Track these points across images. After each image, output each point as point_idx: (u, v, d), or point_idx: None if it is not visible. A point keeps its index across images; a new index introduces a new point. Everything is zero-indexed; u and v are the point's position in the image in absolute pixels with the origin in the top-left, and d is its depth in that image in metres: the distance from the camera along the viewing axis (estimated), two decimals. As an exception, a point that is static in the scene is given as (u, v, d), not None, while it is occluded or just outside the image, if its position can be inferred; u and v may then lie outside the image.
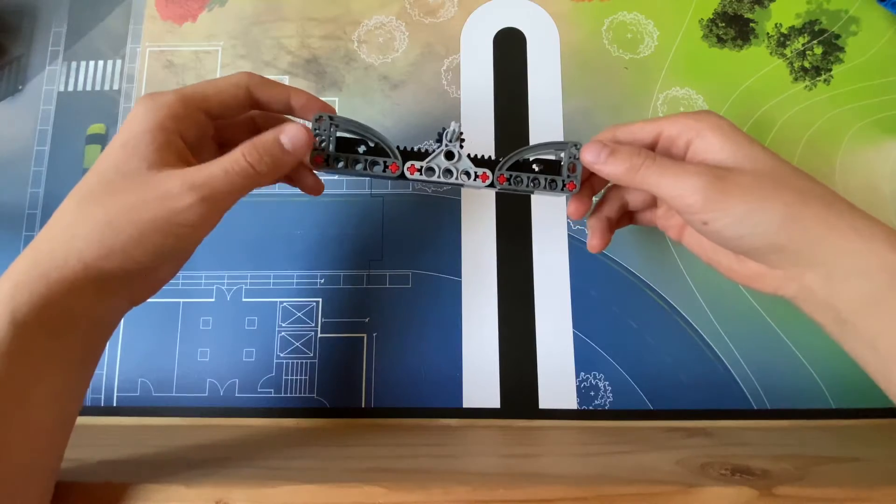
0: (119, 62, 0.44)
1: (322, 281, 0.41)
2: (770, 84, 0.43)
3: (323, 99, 0.33)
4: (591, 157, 0.29)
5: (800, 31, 0.44)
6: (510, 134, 0.42)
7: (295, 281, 0.41)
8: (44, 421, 0.25)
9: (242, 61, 0.44)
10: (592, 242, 0.33)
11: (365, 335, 0.40)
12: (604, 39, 0.44)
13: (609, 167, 0.28)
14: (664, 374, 0.39)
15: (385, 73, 0.44)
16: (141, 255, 0.25)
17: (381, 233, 0.41)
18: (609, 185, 0.34)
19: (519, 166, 0.31)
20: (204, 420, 0.39)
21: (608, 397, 0.39)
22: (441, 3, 0.45)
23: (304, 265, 0.41)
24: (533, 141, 0.42)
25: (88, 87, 0.44)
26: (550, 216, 0.41)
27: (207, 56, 0.44)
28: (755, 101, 0.43)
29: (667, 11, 0.44)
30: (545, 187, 0.31)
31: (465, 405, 0.39)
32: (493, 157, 0.31)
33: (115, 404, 0.39)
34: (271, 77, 0.31)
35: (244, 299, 0.40)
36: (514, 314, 0.40)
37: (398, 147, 0.30)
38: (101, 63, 0.44)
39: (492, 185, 0.31)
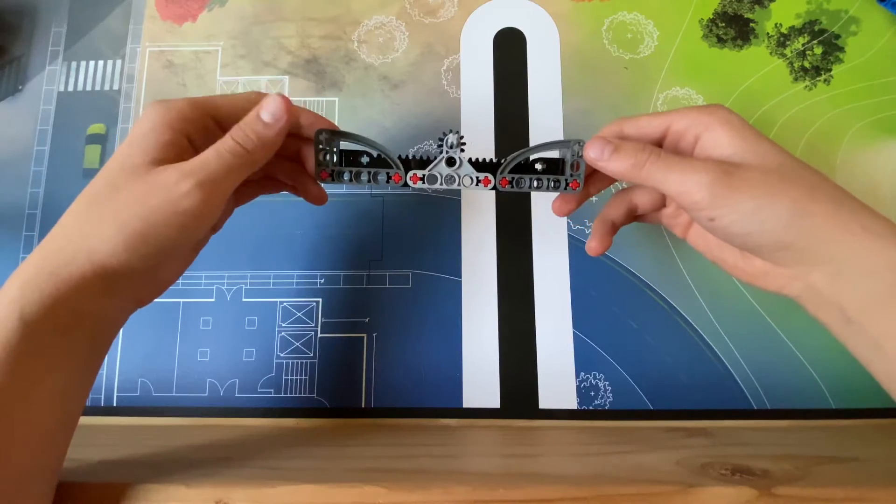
0: (119, 62, 0.44)
1: (322, 281, 0.41)
2: (770, 84, 0.43)
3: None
4: (594, 153, 0.28)
5: (800, 31, 0.44)
6: (510, 134, 0.42)
7: (295, 281, 0.41)
8: (48, 420, 0.25)
9: (242, 61, 0.44)
10: (592, 245, 0.32)
11: (365, 335, 0.40)
12: (604, 39, 0.44)
13: (613, 164, 0.28)
14: (664, 374, 0.39)
15: (385, 73, 0.44)
16: (146, 249, 0.25)
17: (381, 233, 0.41)
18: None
19: (521, 166, 0.31)
20: (204, 420, 0.39)
21: (608, 397, 0.39)
22: (441, 3, 0.45)
23: (304, 265, 0.41)
24: (533, 141, 0.42)
25: (88, 87, 0.44)
26: (550, 216, 0.41)
27: (207, 56, 0.44)
28: (755, 101, 0.43)
29: (667, 11, 0.44)
30: (548, 188, 0.31)
31: (464, 405, 0.39)
32: (494, 160, 0.31)
33: (115, 404, 0.39)
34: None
35: (244, 299, 0.40)
36: (514, 314, 0.40)
37: (399, 156, 0.31)
38: (101, 63, 0.44)
39: (494, 188, 0.31)
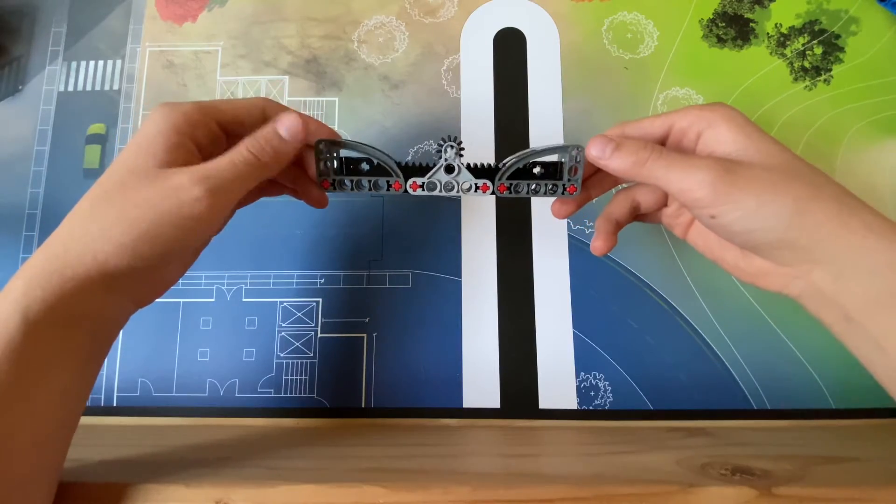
0: (119, 62, 0.44)
1: (322, 281, 0.41)
2: (770, 84, 0.43)
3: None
4: (596, 151, 0.28)
5: (800, 31, 0.44)
6: (510, 134, 0.42)
7: (295, 281, 0.41)
8: (49, 419, 0.25)
9: (242, 61, 0.44)
10: (596, 244, 0.32)
11: (365, 335, 0.40)
12: (604, 39, 0.44)
13: (615, 161, 0.28)
14: (664, 374, 0.39)
15: (385, 73, 0.44)
16: (150, 251, 0.25)
17: (381, 233, 0.41)
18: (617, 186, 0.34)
19: (519, 172, 0.31)
20: (204, 420, 0.39)
21: (608, 397, 0.39)
22: (441, 3, 0.45)
23: (304, 265, 0.41)
24: (533, 141, 0.42)
25: (88, 87, 0.44)
26: (550, 216, 0.41)
27: (207, 56, 0.44)
28: (755, 101, 0.43)
29: (667, 11, 0.44)
30: (545, 193, 0.31)
31: (465, 405, 0.39)
32: (492, 165, 0.31)
33: (115, 404, 0.39)
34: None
35: (244, 299, 0.40)
36: (514, 314, 0.40)
37: (399, 163, 0.31)
38: (101, 63, 0.44)
39: (493, 194, 0.31)
